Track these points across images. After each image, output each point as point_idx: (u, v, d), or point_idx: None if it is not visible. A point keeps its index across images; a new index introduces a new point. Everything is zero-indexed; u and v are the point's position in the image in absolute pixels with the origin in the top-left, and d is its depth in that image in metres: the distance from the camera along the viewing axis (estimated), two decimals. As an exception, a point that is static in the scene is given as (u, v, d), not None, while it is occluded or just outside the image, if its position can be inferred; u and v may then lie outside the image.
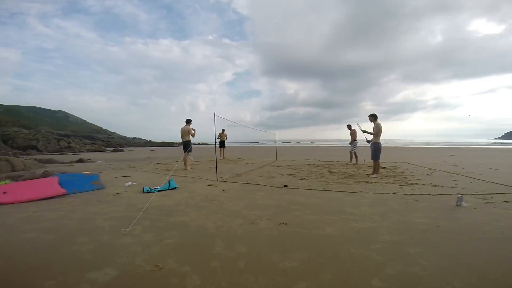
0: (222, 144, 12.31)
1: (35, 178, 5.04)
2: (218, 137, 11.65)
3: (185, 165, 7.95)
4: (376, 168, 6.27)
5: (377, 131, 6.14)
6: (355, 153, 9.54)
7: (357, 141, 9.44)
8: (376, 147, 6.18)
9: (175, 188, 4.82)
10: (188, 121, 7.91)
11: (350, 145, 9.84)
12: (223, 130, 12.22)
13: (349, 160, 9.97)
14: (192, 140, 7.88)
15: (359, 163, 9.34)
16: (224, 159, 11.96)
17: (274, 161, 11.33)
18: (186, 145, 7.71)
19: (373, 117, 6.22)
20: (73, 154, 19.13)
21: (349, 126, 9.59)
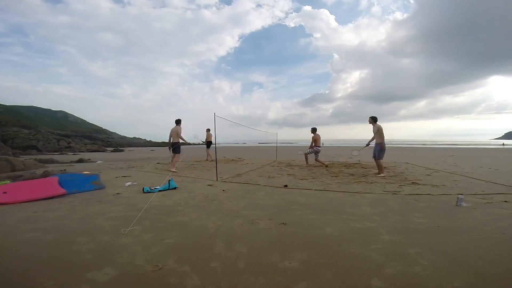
0: (208, 144, 11.62)
1: (35, 178, 5.04)
2: (206, 138, 11.39)
3: (172, 166, 7.49)
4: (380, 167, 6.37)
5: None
6: (306, 154, 8.91)
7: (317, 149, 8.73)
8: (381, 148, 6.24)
9: (175, 188, 4.83)
10: (178, 122, 7.51)
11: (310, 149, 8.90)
12: (208, 130, 11.55)
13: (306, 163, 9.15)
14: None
15: (311, 163, 8.96)
16: (211, 161, 10.81)
17: (274, 161, 11.33)
18: (175, 147, 7.39)
19: (372, 119, 6.34)
20: (73, 154, 19.14)
21: (314, 130, 8.72)
